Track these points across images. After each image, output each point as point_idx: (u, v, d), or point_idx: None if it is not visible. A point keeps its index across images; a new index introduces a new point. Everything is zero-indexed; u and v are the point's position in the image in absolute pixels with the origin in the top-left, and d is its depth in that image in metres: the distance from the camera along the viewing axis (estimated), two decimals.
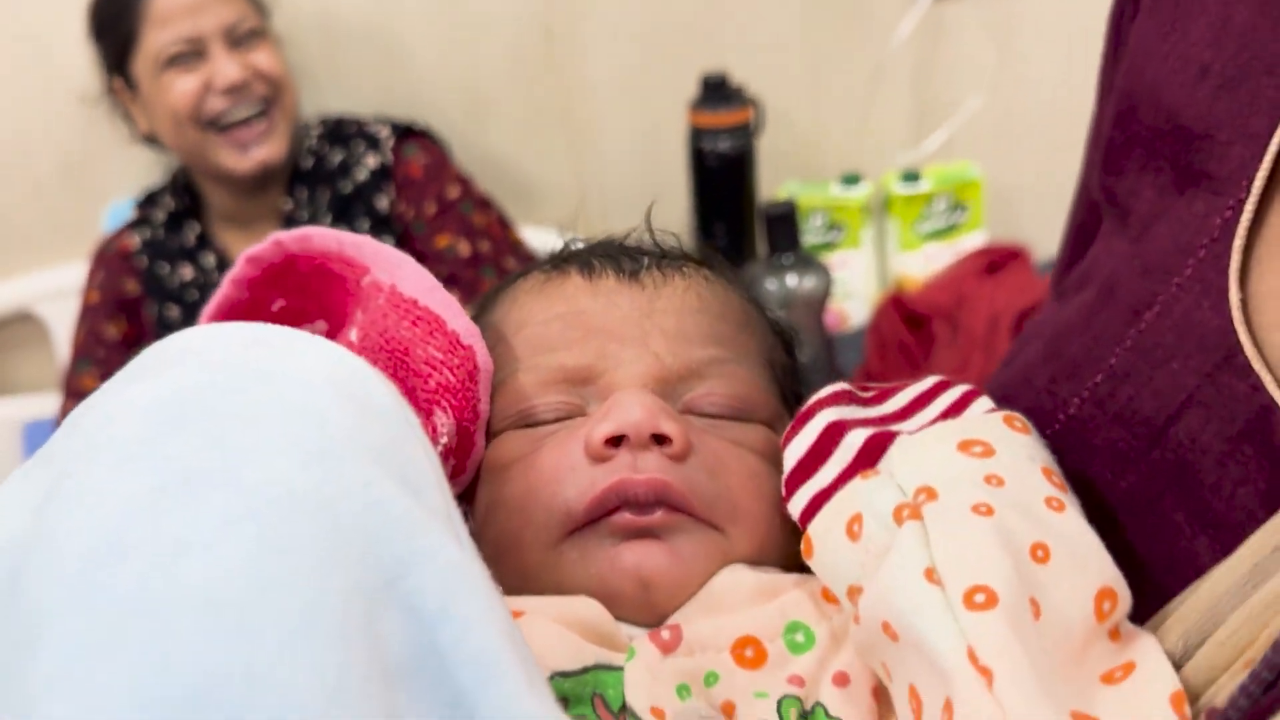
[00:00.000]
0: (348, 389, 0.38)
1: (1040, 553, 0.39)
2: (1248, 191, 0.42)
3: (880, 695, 0.44)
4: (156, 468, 0.34)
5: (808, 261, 1.32)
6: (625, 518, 0.48)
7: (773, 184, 1.69)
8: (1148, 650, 0.39)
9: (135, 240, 1.64)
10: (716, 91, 1.55)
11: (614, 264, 0.58)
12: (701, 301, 0.57)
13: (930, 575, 0.38)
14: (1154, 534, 0.42)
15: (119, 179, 1.86)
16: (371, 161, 1.61)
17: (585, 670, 0.44)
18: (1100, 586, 0.39)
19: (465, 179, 1.65)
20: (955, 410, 0.49)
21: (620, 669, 0.44)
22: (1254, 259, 0.41)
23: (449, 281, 1.34)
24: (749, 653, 0.44)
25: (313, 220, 1.59)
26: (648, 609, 0.48)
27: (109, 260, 1.66)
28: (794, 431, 0.50)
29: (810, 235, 1.64)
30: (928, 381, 0.52)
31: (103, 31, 1.56)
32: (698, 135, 1.57)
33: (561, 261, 0.59)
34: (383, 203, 1.59)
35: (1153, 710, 0.36)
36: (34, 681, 0.30)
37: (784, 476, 0.50)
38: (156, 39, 1.51)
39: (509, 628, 0.35)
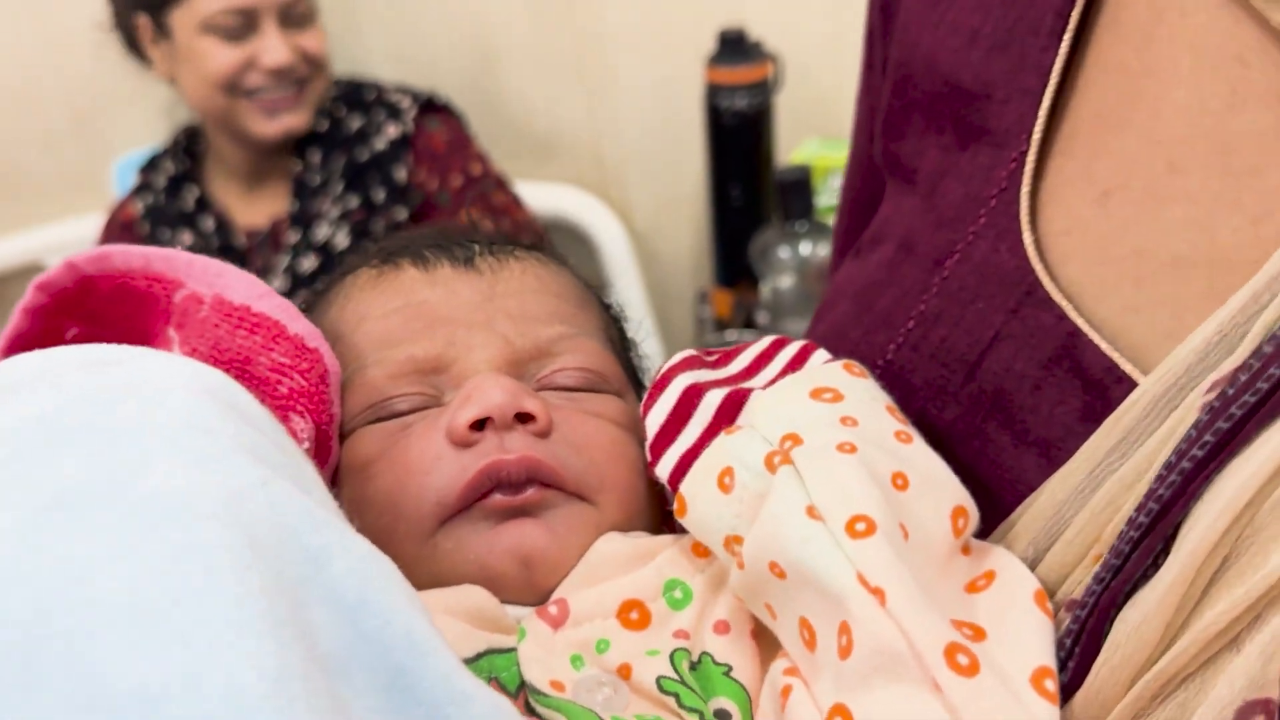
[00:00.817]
0: (221, 396, 0.37)
1: (900, 481, 0.43)
2: (1028, 143, 0.46)
3: (759, 636, 0.46)
4: (36, 490, 0.32)
5: (822, 229, 1.29)
6: (498, 499, 0.49)
7: (792, 143, 1.65)
8: (1003, 558, 0.42)
9: (138, 207, 1.63)
10: (734, 47, 1.52)
11: (447, 253, 0.57)
12: (540, 282, 0.57)
13: (811, 512, 0.41)
14: (983, 458, 0.45)
15: (129, 131, 1.86)
16: (392, 131, 1.59)
17: (479, 656, 0.44)
18: (954, 505, 0.43)
19: (484, 156, 1.63)
20: (796, 363, 0.51)
21: (512, 650, 0.45)
22: (1040, 204, 0.46)
23: None
24: (634, 615, 0.46)
25: (325, 186, 1.56)
26: (530, 587, 0.48)
27: (113, 230, 1.65)
28: (652, 399, 0.51)
29: (829, 196, 1.60)
30: (765, 341, 0.54)
31: None
32: (714, 92, 1.53)
33: (390, 255, 0.58)
34: (401, 173, 1.56)
35: (1020, 609, 0.40)
36: None
37: (648, 443, 0.50)
38: (210, 2, 1.48)
39: (427, 613, 0.35)
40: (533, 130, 1.85)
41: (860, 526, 0.40)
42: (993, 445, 0.45)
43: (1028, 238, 0.45)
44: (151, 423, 0.34)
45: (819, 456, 0.43)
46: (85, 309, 0.50)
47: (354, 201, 1.55)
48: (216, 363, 0.47)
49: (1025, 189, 0.46)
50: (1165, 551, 0.37)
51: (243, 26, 1.49)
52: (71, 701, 0.28)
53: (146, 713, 0.28)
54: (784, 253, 1.27)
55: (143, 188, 1.64)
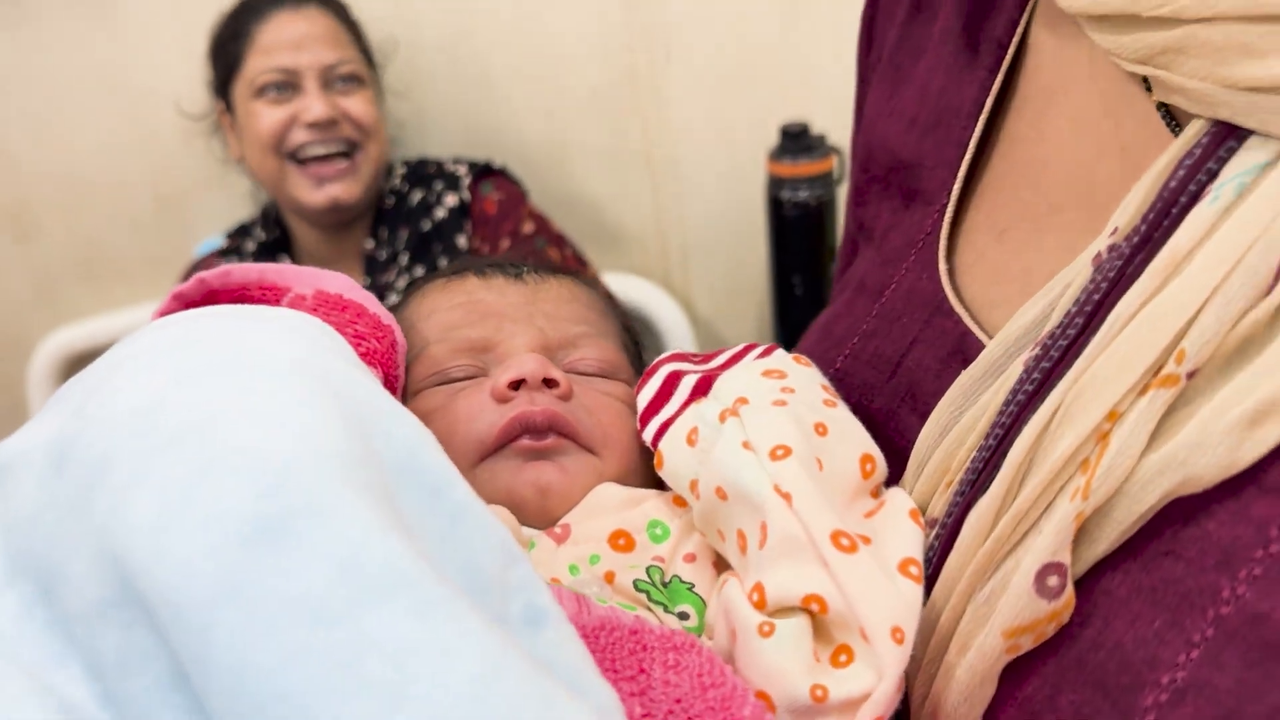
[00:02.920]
0: (322, 328, 0.51)
1: (821, 429, 0.54)
2: (948, 198, 0.59)
3: (719, 566, 0.57)
4: (176, 366, 0.44)
5: None
6: (525, 442, 0.61)
7: None
8: (895, 493, 0.54)
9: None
10: (796, 141, 1.54)
11: (501, 270, 0.72)
12: (572, 294, 0.72)
13: (746, 445, 0.53)
14: (899, 435, 0.57)
15: (211, 217, 1.93)
16: (450, 200, 1.64)
17: None
18: (863, 453, 0.54)
19: (541, 216, 1.66)
20: (762, 357, 0.63)
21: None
22: (955, 245, 0.59)
23: None
24: (621, 542, 0.57)
25: (393, 260, 1.61)
26: (544, 513, 0.60)
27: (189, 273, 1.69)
28: (643, 382, 0.64)
29: None
30: (739, 346, 0.66)
31: (215, 54, 1.63)
32: (777, 184, 1.55)
33: (457, 270, 0.74)
34: (460, 240, 1.60)
35: (896, 520, 0.51)
36: (131, 519, 0.37)
37: (639, 414, 0.62)
38: (256, 65, 1.55)
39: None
40: (601, 221, 1.90)
41: (780, 452, 0.51)
42: (904, 424, 0.56)
43: (943, 268, 0.57)
44: (268, 325, 0.48)
45: (757, 410, 0.55)
46: None
47: (420, 271, 1.59)
48: None
49: (944, 233, 0.58)
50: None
51: (287, 85, 1.55)
52: (200, 454, 0.39)
53: (235, 460, 0.39)
54: None
55: (229, 251, 1.70)
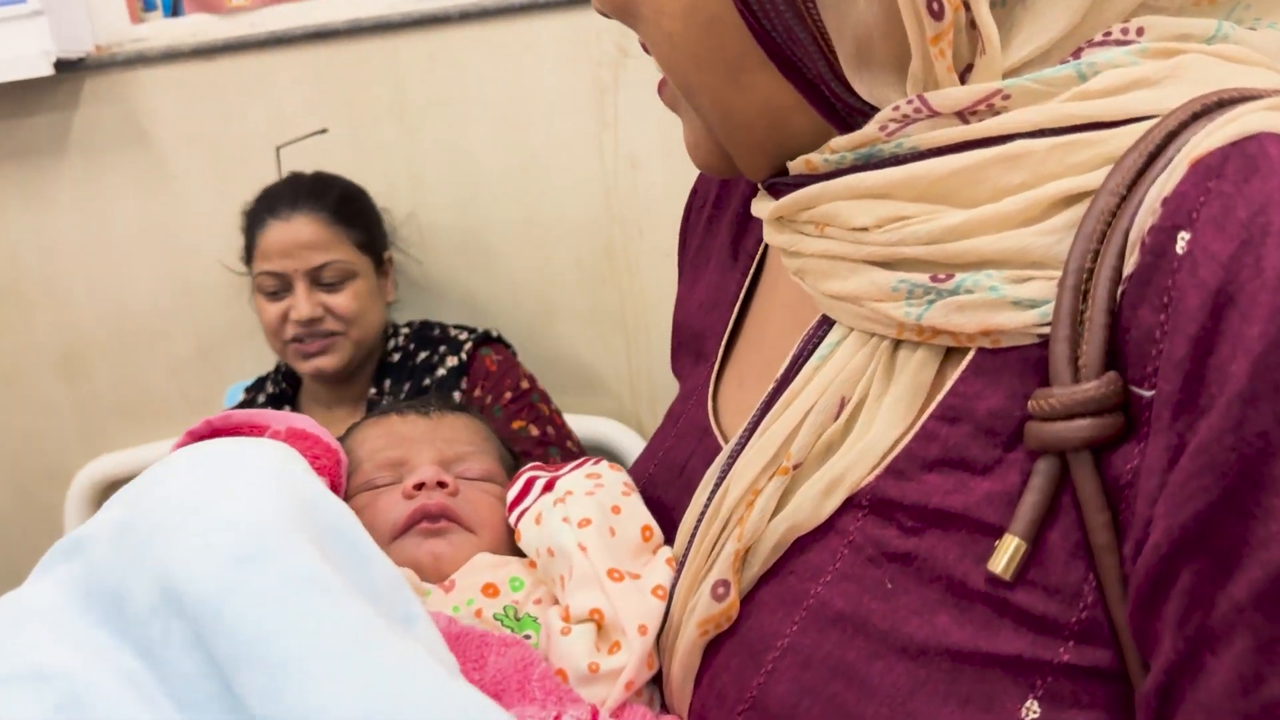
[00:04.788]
0: (294, 455, 0.67)
1: (615, 510, 0.69)
2: (716, 358, 0.72)
3: (556, 603, 0.70)
4: (191, 473, 0.60)
5: None
6: (424, 525, 0.77)
7: None
8: (665, 548, 0.67)
9: None
10: None
11: (415, 409, 0.90)
12: (465, 425, 0.89)
13: (565, 520, 0.68)
14: (677, 511, 0.68)
15: (243, 363, 2.05)
16: (451, 361, 1.75)
17: None
18: (643, 524, 0.68)
19: (531, 376, 1.78)
20: (593, 464, 0.77)
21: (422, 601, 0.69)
22: (719, 390, 0.71)
23: (522, 457, 1.51)
24: (490, 591, 0.71)
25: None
26: (438, 574, 0.74)
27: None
28: (511, 484, 0.79)
29: None
30: (585, 457, 0.81)
31: (244, 233, 1.80)
32: None
33: (384, 412, 0.91)
34: (456, 394, 1.71)
35: (658, 565, 0.65)
36: (173, 554, 0.53)
37: (507, 504, 0.78)
38: (258, 266, 1.72)
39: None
40: (579, 370, 2.00)
41: (582, 523, 0.67)
42: (682, 505, 0.67)
43: (709, 406, 0.70)
44: (259, 452, 0.64)
45: (576, 498, 0.70)
46: None
47: None
48: None
49: (712, 382, 0.72)
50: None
51: (280, 287, 1.71)
52: (209, 520, 0.55)
53: (231, 521, 0.54)
54: None
55: (246, 404, 1.84)
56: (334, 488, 0.77)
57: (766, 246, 0.73)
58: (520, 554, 0.77)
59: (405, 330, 1.82)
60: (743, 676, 0.56)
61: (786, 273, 0.64)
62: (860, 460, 0.54)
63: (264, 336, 1.80)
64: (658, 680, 0.64)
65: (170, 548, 0.54)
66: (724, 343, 0.73)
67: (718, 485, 0.60)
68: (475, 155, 1.93)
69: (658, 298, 1.92)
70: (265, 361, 1.95)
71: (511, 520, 0.77)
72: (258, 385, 1.90)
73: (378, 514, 0.79)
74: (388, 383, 1.77)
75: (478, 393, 1.71)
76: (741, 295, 0.74)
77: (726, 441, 0.66)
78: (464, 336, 1.78)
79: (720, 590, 0.57)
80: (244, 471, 0.59)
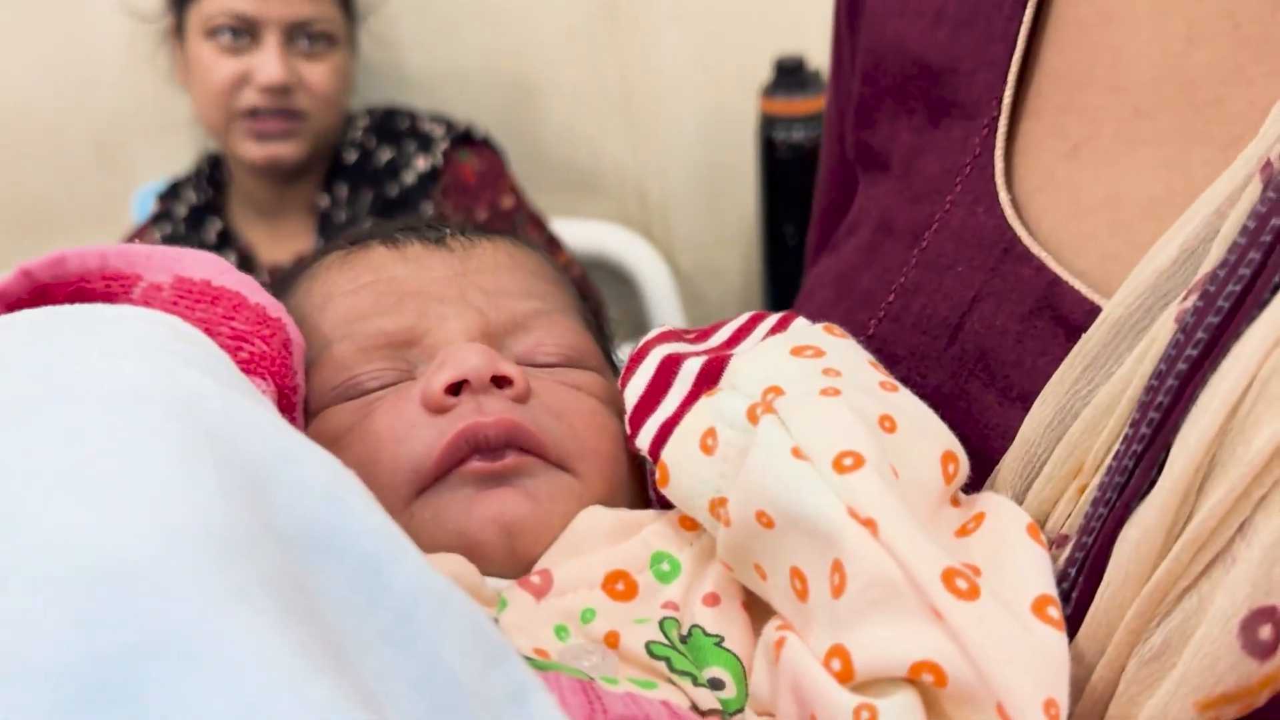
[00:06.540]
0: (177, 327, 0.39)
1: (888, 424, 0.43)
2: (999, 109, 0.51)
3: (750, 607, 0.47)
4: None
5: None
6: (476, 464, 0.49)
7: None
8: (991, 500, 0.44)
9: (155, 237, 1.60)
10: (792, 76, 1.47)
11: (417, 234, 0.58)
12: (513, 260, 0.58)
13: (797, 453, 0.41)
14: (969, 419, 0.47)
15: (152, 163, 1.87)
16: (421, 164, 1.55)
17: None
18: (944, 450, 0.44)
19: (520, 192, 1.59)
20: (778, 329, 0.53)
21: (493, 621, 0.44)
22: (1013, 165, 0.50)
23: None
24: (620, 586, 0.46)
25: (351, 223, 1.52)
26: (513, 558, 0.48)
27: None
28: (630, 371, 0.52)
29: None
30: (744, 316, 0.55)
31: None
32: (770, 124, 1.48)
33: (358, 239, 0.59)
34: (428, 209, 1.52)
35: (1013, 543, 0.41)
36: None
37: (628, 415, 0.51)
38: (213, 2, 1.44)
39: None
40: (573, 165, 1.85)
41: (848, 461, 0.40)
42: (977, 404, 0.47)
43: (1004, 197, 0.48)
44: (98, 341, 0.36)
45: (801, 402, 0.44)
46: None
47: None
48: None
49: (999, 151, 0.50)
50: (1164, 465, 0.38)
51: (243, 33, 1.45)
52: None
53: (112, 587, 0.27)
54: None
55: (161, 216, 1.60)
56: (283, 404, 0.49)
57: None
58: (648, 502, 0.52)
59: (364, 122, 1.60)
60: None
61: None
62: None
63: (187, 117, 1.59)
64: None
65: None
66: (1013, 79, 0.51)
67: (1181, 374, 0.38)
68: None
69: (673, 67, 1.73)
70: (179, 160, 1.75)
71: (642, 441, 0.50)
72: (173, 191, 1.65)
73: (378, 448, 0.50)
74: (344, 190, 1.55)
75: (448, 211, 1.53)
76: None
77: (1072, 274, 0.46)
78: (439, 132, 1.58)
79: (1264, 630, 0.34)
80: (83, 406, 0.33)
